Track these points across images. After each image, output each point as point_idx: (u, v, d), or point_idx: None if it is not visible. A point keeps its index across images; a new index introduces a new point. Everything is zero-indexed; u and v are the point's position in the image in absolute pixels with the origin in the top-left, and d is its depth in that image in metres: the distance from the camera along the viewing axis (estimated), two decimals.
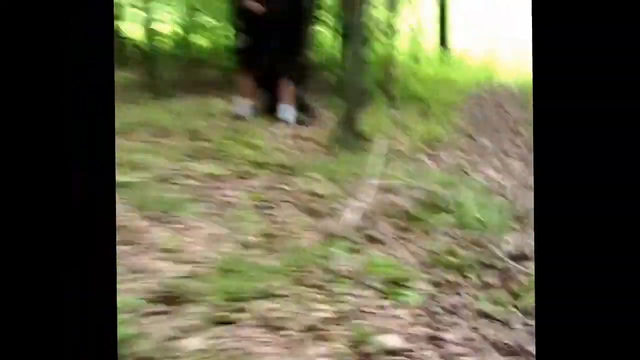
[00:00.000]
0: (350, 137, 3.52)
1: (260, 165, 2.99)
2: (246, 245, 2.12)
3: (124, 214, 2.24)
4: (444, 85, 5.82)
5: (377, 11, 6.07)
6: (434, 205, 2.58)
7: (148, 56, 5.47)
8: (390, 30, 5.21)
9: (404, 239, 2.29)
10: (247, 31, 4.06)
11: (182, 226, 2.26)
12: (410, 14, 7.23)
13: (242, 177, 2.83)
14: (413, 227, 2.40)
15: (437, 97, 5.20)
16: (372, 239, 2.28)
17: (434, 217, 2.46)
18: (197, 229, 2.25)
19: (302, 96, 4.25)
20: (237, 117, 3.95)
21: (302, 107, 4.18)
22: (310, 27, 4.20)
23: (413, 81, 5.50)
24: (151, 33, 6.21)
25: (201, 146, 3.18)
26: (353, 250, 2.15)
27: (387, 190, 2.76)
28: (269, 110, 4.10)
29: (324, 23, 6.56)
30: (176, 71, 5.40)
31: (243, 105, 4.06)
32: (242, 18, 4.09)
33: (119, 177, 2.51)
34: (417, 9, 7.11)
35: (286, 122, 3.94)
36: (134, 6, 5.90)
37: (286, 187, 2.75)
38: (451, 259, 2.11)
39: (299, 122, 4.02)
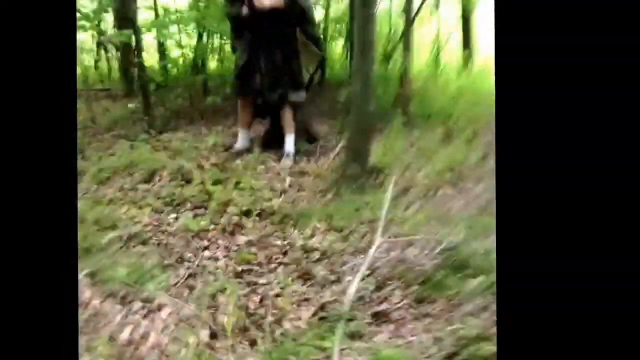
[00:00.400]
0: (360, 170, 3.04)
1: (250, 214, 2.54)
2: (218, 334, 1.67)
3: (83, 290, 1.83)
4: (470, 98, 5.28)
5: (393, 22, 5.62)
6: (462, 264, 2.09)
7: (157, 85, 5.13)
8: (407, 43, 4.71)
9: (422, 315, 1.81)
10: (241, 48, 3.61)
11: (143, 306, 1.83)
12: (431, 24, 6.73)
13: (227, 232, 2.38)
14: (435, 296, 1.91)
15: (463, 113, 4.68)
16: (381, 317, 1.81)
17: (462, 280, 1.97)
18: (160, 311, 1.82)
19: (308, 122, 3.80)
20: (236, 152, 3.51)
21: (308, 136, 3.73)
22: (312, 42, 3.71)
23: (434, 97, 4.97)
24: (164, 60, 5.89)
25: (186, 192, 2.74)
26: (356, 336, 1.69)
27: (402, 242, 2.29)
28: (272, 142, 3.65)
29: (335, 36, 6.14)
30: (183, 99, 5.01)
31: (242, 137, 3.63)
32: (235, 32, 3.65)
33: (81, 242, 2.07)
34: (439, 18, 6.60)
35: (288, 155, 3.49)
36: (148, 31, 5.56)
37: (278, 243, 2.29)
38: (485, 345, 1.62)
39: (304, 153, 3.56)
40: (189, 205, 2.62)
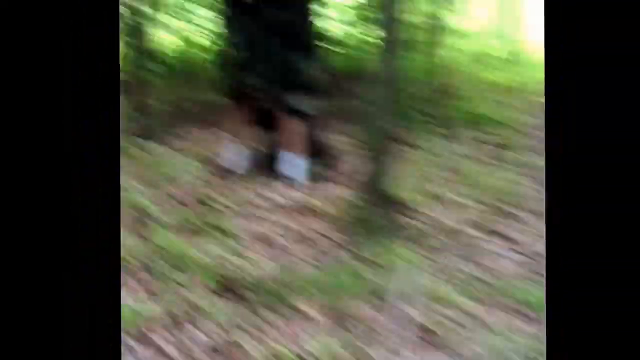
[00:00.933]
0: (377, 208, 2.24)
1: (215, 285, 1.77)
2: None
3: None
4: (521, 99, 4.35)
5: (429, 6, 4.70)
6: None
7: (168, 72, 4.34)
8: (444, 31, 3.85)
9: None
10: (236, 36, 2.78)
11: None
12: (475, 8, 5.77)
13: (175, 323, 1.62)
14: None
15: (512, 118, 3.77)
16: None
17: None
18: None
19: (317, 135, 2.98)
20: (226, 171, 2.75)
21: (318, 152, 2.91)
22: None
23: (477, 96, 4.08)
24: (183, 44, 5.07)
25: (131, 248, 1.97)
26: None
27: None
28: (271, 161, 2.85)
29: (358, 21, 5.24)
30: (191, 92, 4.17)
31: (233, 152, 2.84)
32: (228, 15, 2.82)
33: None
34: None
35: (289, 180, 2.70)
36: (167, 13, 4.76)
37: (248, 349, 1.51)
38: None
39: (312, 176, 2.75)
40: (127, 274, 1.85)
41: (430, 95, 3.74)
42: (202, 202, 2.40)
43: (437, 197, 2.48)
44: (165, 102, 3.77)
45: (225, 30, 2.82)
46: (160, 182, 2.56)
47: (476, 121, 3.61)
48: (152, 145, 3.06)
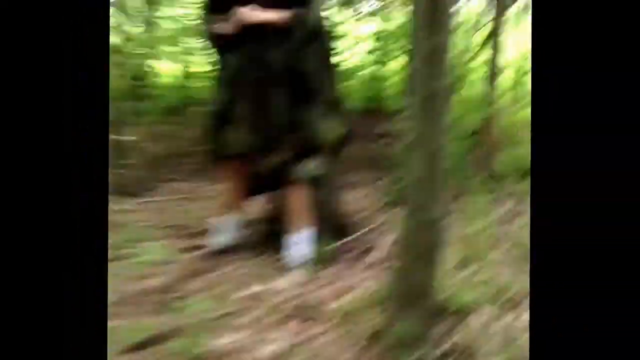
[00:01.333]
0: (419, 320, 1.57)
1: None
2: None
3: None
4: None
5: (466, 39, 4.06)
6: None
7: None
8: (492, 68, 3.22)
9: None
10: (222, 81, 2.18)
11: None
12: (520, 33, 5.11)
13: None
14: None
15: None
16: None
17: None
18: None
19: (333, 204, 2.34)
20: (212, 254, 2.15)
21: (334, 226, 2.27)
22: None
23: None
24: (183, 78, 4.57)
25: None
26: None
27: None
28: (273, 237, 2.23)
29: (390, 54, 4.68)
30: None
31: (222, 227, 2.23)
32: (218, 57, 2.21)
33: None
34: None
35: (294, 265, 2.07)
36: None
37: None
38: None
39: (325, 260, 2.11)
40: None
41: (475, 142, 3.08)
42: (175, 300, 1.78)
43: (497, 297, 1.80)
44: (149, 151, 3.20)
45: (218, 77, 2.22)
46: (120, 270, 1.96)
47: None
48: (121, 207, 2.48)
